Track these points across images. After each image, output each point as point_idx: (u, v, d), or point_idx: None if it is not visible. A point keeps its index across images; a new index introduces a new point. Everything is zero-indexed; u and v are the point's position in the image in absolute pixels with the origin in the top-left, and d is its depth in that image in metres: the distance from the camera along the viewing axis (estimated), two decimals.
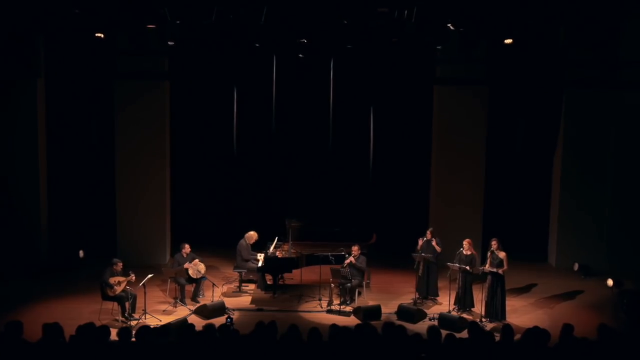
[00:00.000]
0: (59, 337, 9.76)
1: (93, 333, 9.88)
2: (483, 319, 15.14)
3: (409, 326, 14.22)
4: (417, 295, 16.51)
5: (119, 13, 15.25)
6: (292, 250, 17.42)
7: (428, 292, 16.58)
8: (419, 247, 16.42)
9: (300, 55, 17.83)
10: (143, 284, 14.99)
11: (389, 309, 15.87)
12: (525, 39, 17.24)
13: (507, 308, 15.41)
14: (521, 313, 15.94)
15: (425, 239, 16.45)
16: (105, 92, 19.53)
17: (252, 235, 17.50)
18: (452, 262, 15.71)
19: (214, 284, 16.43)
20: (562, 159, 19.65)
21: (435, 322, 14.80)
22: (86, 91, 19.97)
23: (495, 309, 15.16)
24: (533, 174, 20.96)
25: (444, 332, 10.19)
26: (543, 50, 19.10)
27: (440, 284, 16.71)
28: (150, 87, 19.09)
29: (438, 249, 16.32)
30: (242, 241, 17.40)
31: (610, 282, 17.57)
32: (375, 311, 15.53)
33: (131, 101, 19.07)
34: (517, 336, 10.41)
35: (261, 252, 17.51)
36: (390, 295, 17.04)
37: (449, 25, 15.27)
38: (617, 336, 10.12)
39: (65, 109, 19.89)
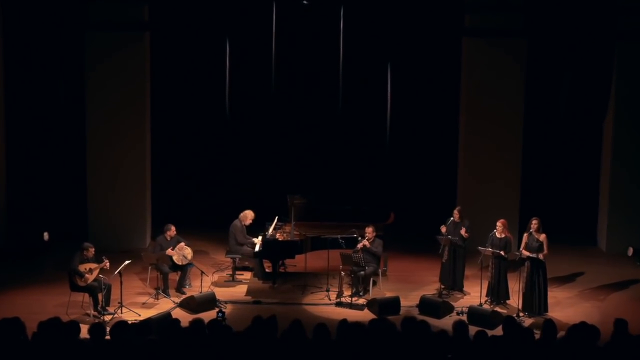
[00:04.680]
0: (19, 335, 9.70)
1: (60, 330, 9.83)
2: (520, 313, 15.12)
3: (433, 322, 14.17)
4: (442, 286, 16.47)
5: None
6: (295, 232, 17.40)
7: (455, 281, 16.55)
8: (443, 230, 16.34)
9: (305, 2, 17.75)
10: (119, 272, 14.97)
11: (409, 302, 15.90)
12: None
13: (549, 300, 15.41)
14: (565, 306, 15.95)
15: (451, 219, 16.36)
16: (75, 46, 19.40)
17: (248, 214, 17.46)
18: (484, 246, 15.64)
19: (202, 272, 16.39)
20: (614, 125, 19.61)
21: (464, 317, 14.79)
22: (52, 45, 19.80)
23: (535, 302, 15.15)
24: (579, 143, 20.90)
25: (474, 329, 10.17)
26: None
27: (469, 272, 16.71)
28: (128, 40, 19.01)
29: (466, 235, 16.22)
30: (235, 222, 17.36)
31: None
32: (393, 304, 15.54)
33: (105, 56, 18.97)
34: (561, 333, 10.40)
35: (258, 235, 17.46)
36: (410, 285, 17.07)
37: None
38: None
39: (27, 65, 19.74)
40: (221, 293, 16.27)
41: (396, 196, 20.68)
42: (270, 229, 17.59)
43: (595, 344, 9.77)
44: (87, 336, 9.83)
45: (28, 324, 9.93)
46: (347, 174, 21.24)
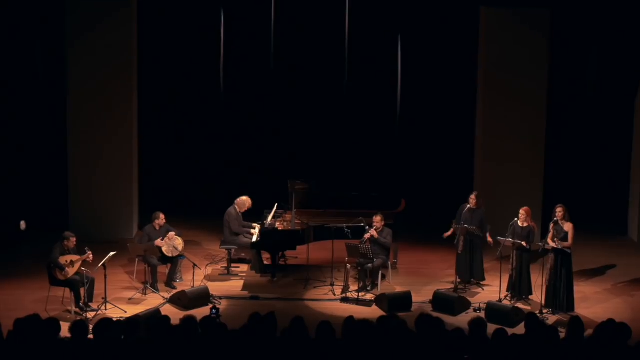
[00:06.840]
0: None
1: (38, 328, 9.83)
2: (544, 310, 15.13)
3: (448, 319, 14.19)
4: (458, 279, 16.47)
5: None
6: (297, 221, 17.41)
7: (472, 274, 16.55)
8: (453, 227, 16.35)
9: None
10: (103, 265, 14.96)
11: (421, 297, 15.91)
12: None
13: (576, 296, 15.39)
14: (593, 302, 15.95)
15: (467, 206, 16.35)
16: (54, 16, 19.37)
17: (244, 201, 17.46)
18: (504, 236, 15.61)
19: (194, 265, 16.41)
20: None
21: (482, 314, 14.81)
22: (29, 15, 19.78)
23: (560, 297, 15.14)
24: (609, 124, 20.87)
25: (492, 327, 10.16)
26: None
27: (488, 265, 16.69)
28: (113, 9, 18.97)
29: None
30: (230, 209, 17.36)
31: None
32: (404, 299, 15.55)
33: (88, 28, 18.95)
34: (589, 332, 10.46)
35: (256, 223, 17.46)
36: (423, 279, 17.10)
37: None
38: None
39: (1, 37, 19.73)
40: (215, 288, 16.27)
41: (407, 181, 20.68)
42: (269, 218, 17.59)
43: (625, 343, 9.74)
44: (68, 335, 9.80)
45: (4, 322, 9.99)
46: (354, 157, 21.22)
